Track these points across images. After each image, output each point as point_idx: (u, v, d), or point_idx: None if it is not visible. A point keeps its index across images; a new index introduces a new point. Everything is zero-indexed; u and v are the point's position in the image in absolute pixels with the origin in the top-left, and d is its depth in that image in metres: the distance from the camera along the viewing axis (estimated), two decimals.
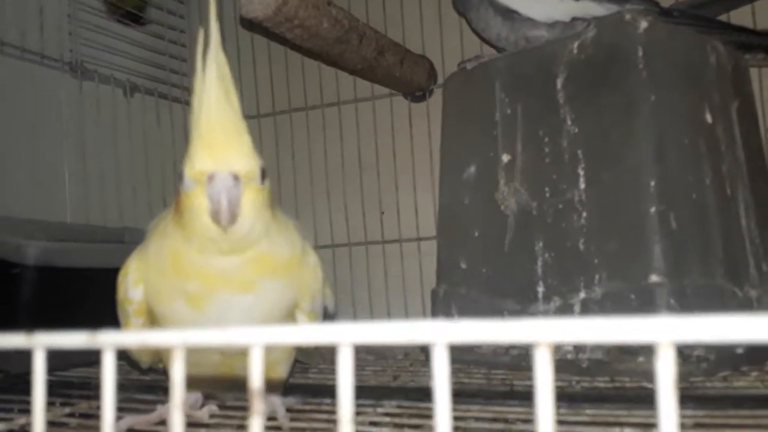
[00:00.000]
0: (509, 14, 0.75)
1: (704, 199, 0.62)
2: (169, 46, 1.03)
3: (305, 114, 1.09)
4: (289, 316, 0.47)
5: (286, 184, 1.10)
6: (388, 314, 1.03)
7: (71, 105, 0.84)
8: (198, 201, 0.40)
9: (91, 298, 0.59)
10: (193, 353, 0.43)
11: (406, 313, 1.01)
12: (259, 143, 1.08)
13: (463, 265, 0.72)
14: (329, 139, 1.08)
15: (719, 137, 0.65)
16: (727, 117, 0.67)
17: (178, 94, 1.03)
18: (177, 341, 0.20)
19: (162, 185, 0.97)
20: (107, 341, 0.20)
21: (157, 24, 1.02)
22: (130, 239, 0.87)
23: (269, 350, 0.47)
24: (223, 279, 0.42)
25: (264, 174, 0.41)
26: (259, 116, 1.12)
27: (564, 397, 0.49)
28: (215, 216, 0.39)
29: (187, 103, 1.04)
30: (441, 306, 0.73)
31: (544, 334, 0.18)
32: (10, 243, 0.59)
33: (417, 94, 1.02)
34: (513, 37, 0.76)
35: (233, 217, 0.39)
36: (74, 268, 0.64)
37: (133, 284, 0.46)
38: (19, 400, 0.51)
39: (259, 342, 0.20)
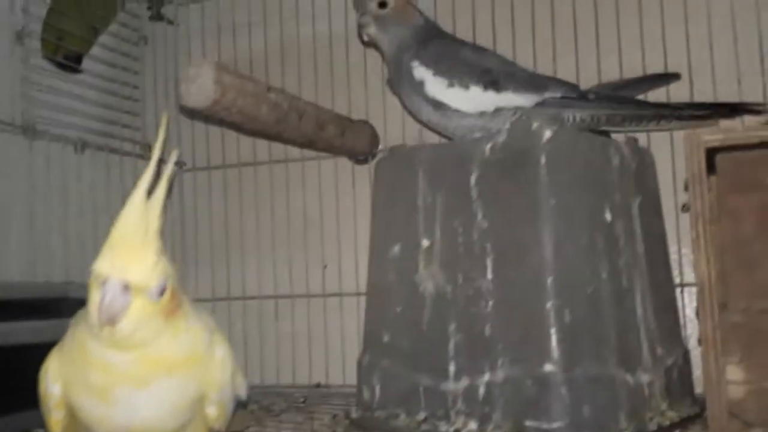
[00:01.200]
0: (439, 105, 0.81)
1: (600, 292, 0.68)
2: (122, 102, 1.07)
3: (254, 169, 1.14)
4: (198, 405, 0.52)
5: (234, 235, 1.14)
6: (326, 366, 1.08)
7: (20, 165, 0.88)
8: (93, 297, 0.44)
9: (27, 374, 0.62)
10: None
11: (344, 366, 1.06)
12: (208, 194, 1.13)
13: (386, 339, 0.77)
14: (276, 194, 1.13)
15: (618, 233, 0.72)
16: (627, 213, 0.74)
17: (130, 148, 1.07)
18: None
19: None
20: None
21: (110, 80, 1.06)
22: (74, 294, 0.91)
23: None
24: (120, 374, 0.47)
25: (163, 290, 0.46)
26: (210, 168, 1.17)
27: None
28: (98, 315, 0.43)
29: (139, 157, 1.08)
30: (365, 374, 0.78)
31: None
32: None
33: (360, 157, 1.07)
34: (443, 124, 0.82)
35: (111, 321, 0.44)
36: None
37: (52, 381, 0.50)
38: None
39: None
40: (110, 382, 0.47)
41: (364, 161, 1.08)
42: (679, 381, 0.75)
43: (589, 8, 0.98)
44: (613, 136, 0.84)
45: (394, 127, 1.05)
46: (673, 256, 0.88)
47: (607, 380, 0.65)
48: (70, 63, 0.97)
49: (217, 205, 1.16)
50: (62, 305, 0.91)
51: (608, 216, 0.71)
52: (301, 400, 0.96)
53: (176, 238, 1.16)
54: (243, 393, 0.57)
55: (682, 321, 0.84)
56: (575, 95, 0.80)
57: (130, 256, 0.44)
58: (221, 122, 0.75)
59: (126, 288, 0.44)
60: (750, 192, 0.68)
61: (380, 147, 1.07)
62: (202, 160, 1.17)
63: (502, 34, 1.00)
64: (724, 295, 0.67)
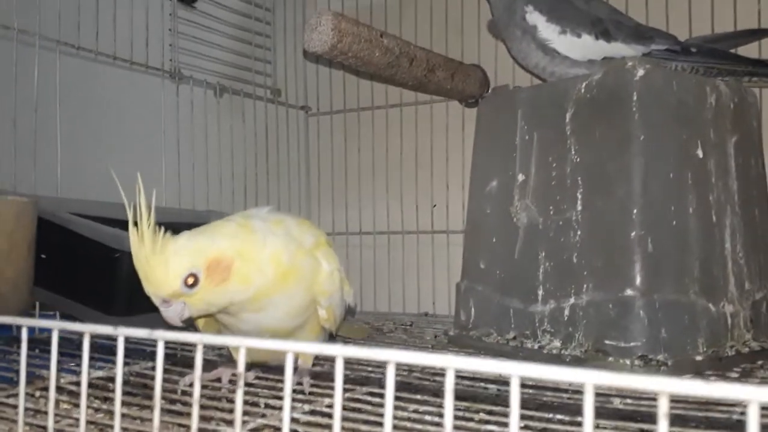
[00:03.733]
0: (550, 51, 0.85)
1: (685, 225, 0.71)
2: (255, 50, 1.18)
3: (371, 113, 1.23)
4: (311, 308, 0.61)
5: (352, 175, 1.24)
6: (433, 297, 1.17)
7: (169, 106, 1.01)
8: None
9: None
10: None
11: (449, 298, 1.14)
12: (330, 136, 1.24)
13: (482, 266, 0.84)
14: (390, 136, 1.21)
15: (710, 170, 0.74)
16: (722, 151, 0.75)
17: (262, 93, 1.18)
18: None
19: (244, 176, 1.13)
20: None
21: (244, 30, 1.17)
22: (215, 219, 1.04)
23: (299, 329, 0.62)
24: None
25: (195, 281, 0.52)
26: (332, 113, 1.27)
27: None
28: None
29: (269, 101, 1.20)
30: (462, 298, 0.86)
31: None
32: (112, 232, 0.76)
33: (470, 100, 1.13)
34: (551, 69, 0.86)
35: (178, 321, 0.54)
36: None
37: None
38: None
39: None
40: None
41: (474, 104, 1.14)
42: (767, 315, 0.77)
43: None
44: None
45: (505, 71, 1.10)
46: None
47: (687, 307, 0.69)
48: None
49: (338, 147, 1.26)
50: None
51: (700, 152, 0.73)
52: (409, 323, 1.06)
53: (302, 176, 1.27)
54: (350, 300, 0.67)
55: None
56: (679, 48, 0.82)
57: (151, 277, 0.52)
58: (341, 65, 0.84)
59: (166, 301, 0.53)
60: None
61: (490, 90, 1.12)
62: (326, 105, 1.28)
63: None
64: None
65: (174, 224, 0.99)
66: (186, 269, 0.52)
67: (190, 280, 0.52)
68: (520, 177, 0.80)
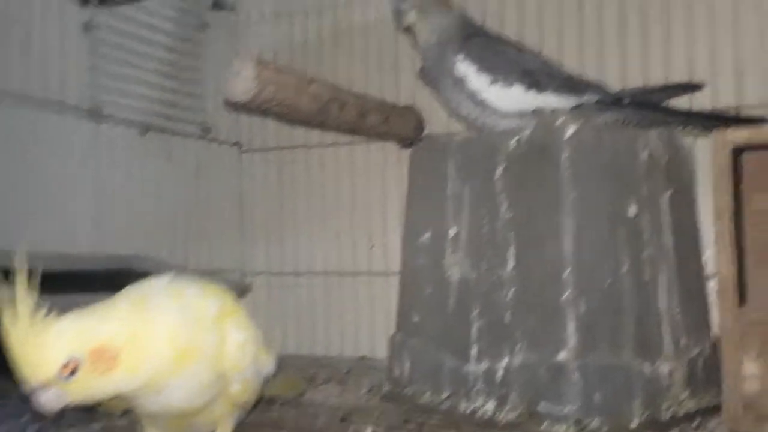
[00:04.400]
0: (480, 101, 0.82)
1: (619, 284, 0.69)
2: (184, 86, 1.13)
3: (306, 151, 1.19)
4: (221, 384, 0.57)
5: (287, 214, 1.20)
6: (371, 340, 1.13)
7: (88, 146, 0.96)
8: None
9: None
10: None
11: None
12: (264, 174, 1.19)
13: (416, 319, 0.81)
14: (327, 175, 1.18)
15: (643, 226, 0.73)
16: (655, 206, 0.74)
17: (191, 130, 1.14)
18: None
19: (173, 216, 1.08)
20: None
21: (172, 65, 1.12)
22: (137, 266, 0.99)
23: (211, 405, 0.57)
24: None
25: (75, 369, 0.47)
26: (266, 150, 1.23)
27: None
28: None
29: (199, 138, 1.15)
30: (396, 352, 0.83)
31: None
32: None
33: (406, 141, 1.11)
34: (482, 120, 0.84)
35: (52, 410, 0.47)
36: None
37: None
38: None
39: None
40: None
41: (410, 145, 1.11)
42: (704, 371, 0.76)
43: (614, 12, 0.99)
44: None
45: (441, 112, 1.08)
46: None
47: (621, 369, 0.68)
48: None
49: (272, 185, 1.22)
50: (126, 276, 1.00)
51: (633, 209, 0.72)
52: (346, 370, 1.02)
53: (234, 216, 1.23)
54: (270, 369, 0.63)
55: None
56: (611, 99, 0.81)
57: (25, 361, 0.46)
58: (264, 113, 0.81)
59: (39, 390, 0.47)
60: None
61: (426, 132, 1.10)
62: (260, 142, 1.23)
63: (529, 32, 1.02)
64: (744, 291, 0.68)
65: (91, 272, 0.94)
66: (64, 356, 0.47)
67: (68, 369, 0.47)
68: (453, 230, 0.77)
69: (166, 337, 0.51)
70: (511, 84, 0.81)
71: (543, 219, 0.70)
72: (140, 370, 0.50)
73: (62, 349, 0.47)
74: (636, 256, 0.71)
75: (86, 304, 0.69)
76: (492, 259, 0.73)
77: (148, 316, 0.51)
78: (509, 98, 0.81)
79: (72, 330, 0.48)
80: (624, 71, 0.98)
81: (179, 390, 0.53)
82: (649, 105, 0.83)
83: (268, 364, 0.63)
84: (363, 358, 1.13)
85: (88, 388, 0.48)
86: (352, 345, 1.15)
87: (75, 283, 0.89)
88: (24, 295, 0.46)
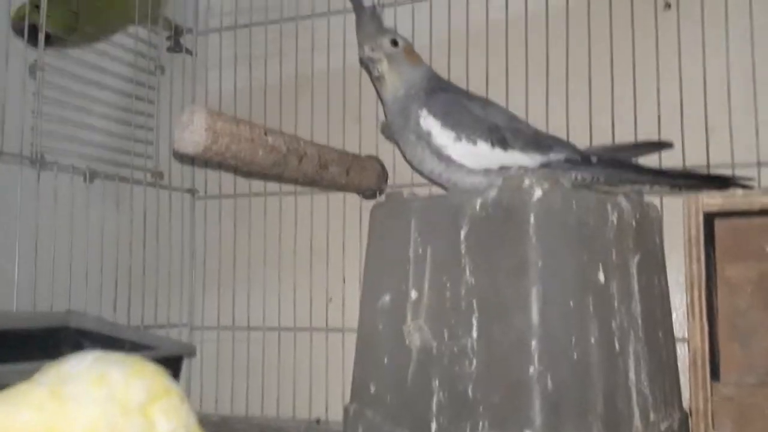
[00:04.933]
0: (444, 158, 0.79)
1: (587, 357, 0.65)
2: (136, 131, 1.08)
3: (264, 199, 1.14)
4: None
5: (241, 264, 1.15)
6: (326, 401, 1.07)
7: (28, 195, 0.89)
8: None
9: None
10: None
11: (343, 402, 1.05)
12: (218, 222, 1.14)
13: (372, 389, 0.76)
14: (284, 224, 1.13)
15: (612, 293, 0.69)
16: (624, 272, 0.71)
17: (141, 177, 1.08)
18: None
19: (116, 268, 1.02)
20: None
21: (124, 110, 1.07)
22: (74, 323, 0.92)
23: None
24: None
25: None
26: (221, 197, 1.17)
27: None
28: None
29: (149, 185, 1.09)
30: (351, 424, 0.77)
31: None
32: None
33: (367, 192, 1.07)
34: (446, 176, 0.81)
35: None
36: None
37: None
38: None
39: None
40: None
41: (372, 196, 1.08)
42: None
43: (583, 65, 0.97)
44: None
45: (403, 162, 1.04)
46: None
47: None
48: (33, 39, 0.91)
49: (226, 234, 1.17)
50: (62, 334, 0.93)
51: (602, 276, 0.68)
52: None
53: (185, 263, 1.17)
54: None
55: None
56: (579, 157, 0.79)
57: None
58: (218, 165, 0.76)
59: None
60: (749, 260, 0.65)
61: (388, 182, 1.07)
62: (214, 188, 1.18)
63: (495, 83, 1.00)
64: (716, 364, 0.65)
65: (25, 330, 0.87)
66: None
67: None
68: (413, 294, 0.73)
69: (84, 429, 0.45)
70: (475, 141, 0.78)
71: (508, 286, 0.66)
72: None
73: None
74: (605, 326, 0.68)
75: (12, 374, 0.62)
76: (455, 327, 0.68)
77: (66, 407, 0.45)
78: (474, 155, 0.78)
79: None
80: (591, 128, 0.96)
81: None
82: (618, 163, 0.81)
83: None
84: (317, 421, 1.07)
85: None
86: (305, 406, 1.09)
87: (7, 343, 0.82)
88: None
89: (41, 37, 0.91)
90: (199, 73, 1.20)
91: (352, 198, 1.10)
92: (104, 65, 1.03)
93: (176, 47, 1.17)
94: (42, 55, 0.92)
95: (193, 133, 0.70)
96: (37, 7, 0.90)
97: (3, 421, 0.43)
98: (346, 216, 1.10)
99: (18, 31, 0.91)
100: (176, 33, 1.17)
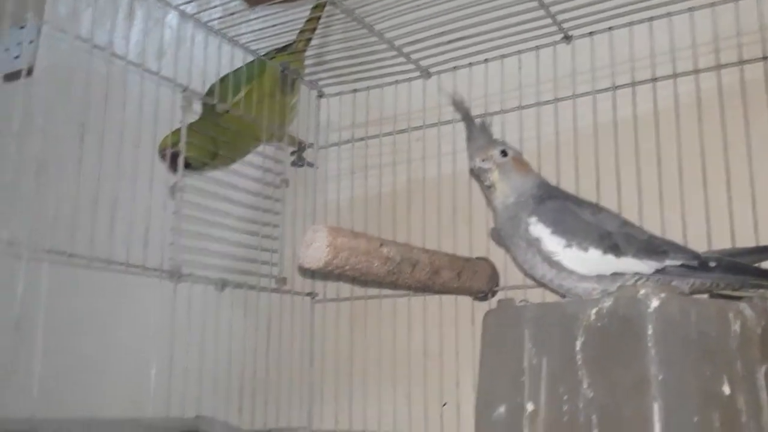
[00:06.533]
0: (555, 264, 0.80)
1: None
2: (262, 241, 1.16)
3: (379, 302, 1.18)
4: None
5: (357, 367, 1.18)
6: None
7: (165, 307, 0.97)
8: None
9: None
10: None
11: None
12: (336, 324, 1.18)
13: None
14: (398, 326, 1.16)
15: (739, 407, 0.66)
16: (751, 384, 0.68)
17: (266, 283, 1.15)
18: None
19: (242, 374, 1.08)
20: None
21: (252, 222, 1.16)
22: (203, 428, 0.98)
23: None
24: None
25: None
26: (338, 300, 1.22)
27: None
28: None
29: (273, 291, 1.16)
30: None
31: None
32: None
33: (479, 294, 1.08)
34: (558, 282, 0.81)
35: None
36: None
37: None
38: None
39: None
40: None
41: (484, 298, 1.09)
42: None
43: (696, 168, 0.96)
44: None
45: (514, 263, 1.05)
46: None
47: None
48: (175, 166, 1.03)
49: (343, 336, 1.21)
50: None
51: (726, 389, 0.66)
52: None
53: (305, 367, 1.21)
54: None
55: None
56: (696, 262, 0.77)
57: None
58: (338, 277, 0.81)
59: None
60: None
61: (500, 284, 1.08)
62: (332, 292, 1.24)
63: (606, 185, 1.00)
64: None
65: None
66: None
67: None
68: (530, 406, 0.72)
69: None
70: (586, 248, 0.78)
71: (628, 400, 0.65)
72: None
73: None
74: None
75: None
76: None
77: None
78: (585, 262, 0.78)
79: None
80: (709, 231, 0.94)
81: None
82: (739, 268, 0.79)
83: None
84: None
85: None
86: None
87: None
88: None
89: (181, 163, 1.01)
90: (320, 184, 1.28)
91: (465, 300, 1.11)
92: (235, 182, 1.13)
93: (299, 161, 1.27)
94: (181, 179, 1.02)
95: (317, 250, 0.75)
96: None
97: None
98: (458, 318, 1.11)
99: (163, 157, 1.02)
100: (300, 149, 1.27)
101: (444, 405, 1.10)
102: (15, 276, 0.79)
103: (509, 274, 1.08)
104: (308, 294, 1.25)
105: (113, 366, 0.91)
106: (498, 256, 1.08)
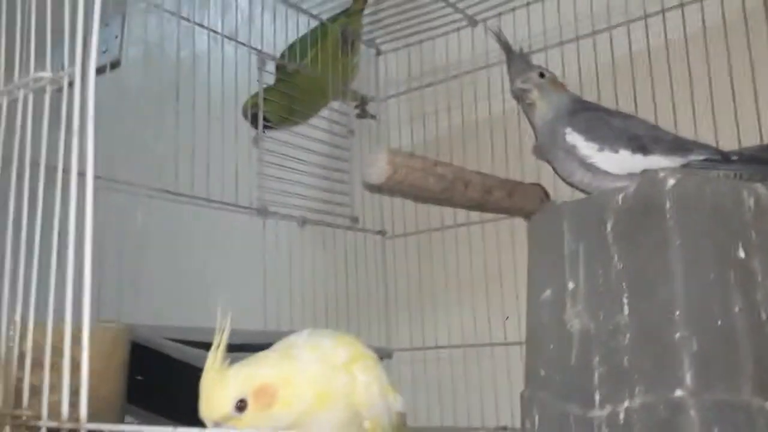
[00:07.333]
0: (591, 167, 0.91)
1: (732, 323, 0.72)
2: (335, 184, 1.30)
3: (441, 233, 1.31)
4: (357, 420, 0.66)
5: (426, 293, 1.31)
6: (511, 409, 1.18)
7: (255, 240, 1.13)
8: None
9: None
10: None
11: None
12: (405, 257, 1.31)
13: (542, 373, 0.87)
14: (461, 253, 1.28)
15: (754, 269, 0.76)
16: (765, 252, 0.77)
17: (341, 222, 1.29)
18: None
19: (325, 298, 1.23)
20: None
21: (324, 168, 1.30)
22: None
23: None
24: None
25: (244, 406, 0.58)
26: (406, 235, 1.36)
27: None
28: None
29: (348, 228, 1.30)
30: (526, 407, 0.88)
31: None
32: (197, 354, 0.85)
33: (532, 216, 1.19)
34: (595, 184, 0.92)
35: None
36: None
37: None
38: None
39: None
40: None
41: None
42: None
43: (723, 69, 1.03)
44: None
45: (563, 188, 1.16)
46: None
47: (741, 407, 0.69)
48: (256, 123, 1.19)
49: (413, 267, 1.34)
50: None
51: (742, 253, 0.75)
52: None
53: (380, 296, 1.35)
54: (398, 406, 0.71)
55: None
56: (719, 157, 0.86)
57: (208, 401, 0.59)
58: (401, 194, 0.93)
59: (217, 424, 0.59)
60: None
61: None
62: (400, 229, 1.37)
63: (642, 98, 1.09)
64: None
65: (260, 345, 1.09)
66: (236, 395, 0.59)
67: (240, 405, 0.59)
68: (571, 285, 0.84)
69: (308, 380, 0.63)
70: (617, 150, 0.89)
71: (652, 266, 0.75)
72: (292, 406, 0.61)
73: (235, 390, 0.59)
74: (749, 297, 0.74)
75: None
76: (608, 308, 0.78)
77: (293, 364, 0.63)
78: (617, 162, 0.89)
79: (239, 375, 0.60)
80: (738, 133, 1.01)
81: (321, 426, 0.64)
82: (759, 159, 0.87)
83: (396, 402, 0.72)
84: (504, 428, 1.18)
85: (253, 422, 0.59)
86: (492, 415, 1.20)
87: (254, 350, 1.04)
88: (215, 351, 0.60)
89: (260, 120, 1.17)
90: (382, 133, 1.41)
91: (519, 223, 1.22)
92: (308, 133, 1.28)
93: (363, 114, 1.40)
94: (260, 133, 1.17)
95: (378, 167, 0.88)
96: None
97: (250, 374, 0.61)
98: (515, 240, 1.22)
99: (245, 116, 1.18)
100: (362, 102, 1.40)
101: (507, 319, 1.22)
102: (133, 209, 0.96)
103: (560, 196, 1.18)
104: (378, 232, 1.38)
105: (219, 288, 1.08)
106: (548, 182, 1.19)
